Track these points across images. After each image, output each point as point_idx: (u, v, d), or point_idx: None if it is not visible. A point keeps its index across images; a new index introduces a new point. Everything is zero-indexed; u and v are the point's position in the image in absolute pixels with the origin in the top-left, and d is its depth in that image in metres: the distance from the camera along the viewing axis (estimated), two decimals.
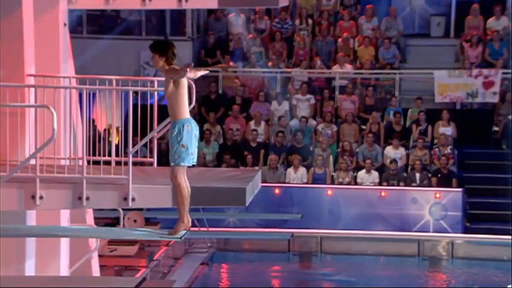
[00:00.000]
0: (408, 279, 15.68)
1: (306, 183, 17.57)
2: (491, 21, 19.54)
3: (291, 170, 17.72)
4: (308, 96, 19.02)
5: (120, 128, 9.22)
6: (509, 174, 17.47)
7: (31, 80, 9.12)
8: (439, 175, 17.41)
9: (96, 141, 9.05)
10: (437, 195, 16.99)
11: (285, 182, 17.56)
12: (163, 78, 7.79)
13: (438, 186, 17.21)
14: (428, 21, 20.36)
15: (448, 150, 17.82)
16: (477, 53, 19.27)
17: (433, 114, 18.46)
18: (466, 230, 16.93)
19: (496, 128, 18.54)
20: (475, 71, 18.78)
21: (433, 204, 16.92)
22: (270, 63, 19.55)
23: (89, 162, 8.45)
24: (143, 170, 8.81)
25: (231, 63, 19.54)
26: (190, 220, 7.66)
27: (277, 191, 17.22)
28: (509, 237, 16.60)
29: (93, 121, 14.48)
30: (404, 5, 20.50)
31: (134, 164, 8.22)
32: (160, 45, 7.45)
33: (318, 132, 18.40)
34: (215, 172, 10.06)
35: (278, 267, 16.42)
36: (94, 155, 8.82)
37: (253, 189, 8.41)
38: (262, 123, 18.60)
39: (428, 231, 16.81)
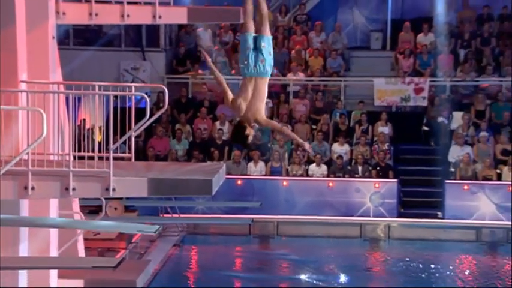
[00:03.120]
0: (352, 258, 15.75)
1: (265, 175, 17.56)
2: (420, 37, 19.70)
3: (251, 164, 17.70)
4: (266, 100, 18.94)
5: (102, 128, 9.14)
6: (436, 167, 17.66)
7: (24, 86, 9.00)
8: (378, 168, 17.51)
9: (81, 139, 8.95)
10: (377, 185, 17.09)
11: (246, 175, 17.54)
12: (140, 84, 7.72)
13: (377, 177, 17.30)
14: (368, 36, 20.47)
15: (386, 146, 17.93)
16: (409, 64, 19.41)
17: (373, 115, 18.56)
18: (400, 215, 17.05)
19: (425, 128, 18.71)
20: (407, 79, 18.92)
21: (373, 193, 17.01)
22: (233, 71, 19.51)
23: (75, 157, 8.36)
24: (122, 164, 8.73)
25: (200, 71, 19.48)
26: None
27: (239, 182, 17.20)
28: (437, 220, 16.77)
29: (84, 120, 14.37)
30: (348, 22, 20.60)
31: (114, 159, 8.14)
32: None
33: (275, 131, 18.40)
34: (186, 166, 10.01)
35: (240, 249, 16.37)
36: (79, 151, 8.73)
37: (218, 181, 8.37)
38: (227, 123, 18.56)
39: (369, 216, 16.90)
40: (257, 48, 7.13)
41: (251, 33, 7.18)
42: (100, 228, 9.69)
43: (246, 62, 7.14)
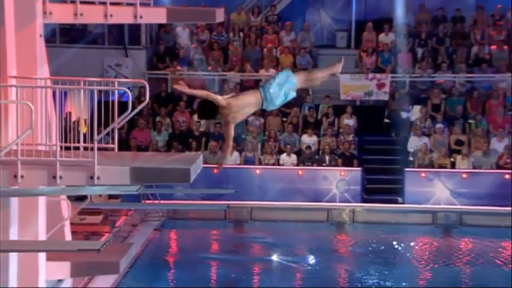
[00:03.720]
0: (320, 240, 15.82)
1: (239, 164, 17.56)
2: (382, 36, 19.79)
3: None
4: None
5: (87, 120, 9.07)
6: (397, 156, 17.79)
7: (13, 81, 8.90)
8: (344, 157, 17.59)
9: (67, 131, 8.88)
10: (342, 173, 17.16)
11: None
12: (122, 80, 7.64)
13: (343, 166, 17.37)
14: (334, 35, 20.52)
15: (351, 137, 18.01)
16: (372, 61, 19.50)
17: (338, 109, 18.62)
18: (364, 200, 17.14)
19: (387, 120, 18.83)
20: (370, 75, 19.01)
21: (339, 180, 17.08)
22: (209, 68, 19.46)
23: (61, 147, 8.29)
24: (106, 154, 8.68)
25: (178, 68, 19.39)
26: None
27: (215, 170, 17.15)
28: (397, 205, 16.90)
29: (70, 113, 14.23)
30: (316, 22, 20.64)
31: (99, 149, 8.09)
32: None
33: (249, 123, 18.39)
34: (166, 156, 9.96)
35: (216, 232, 16.35)
36: (66, 141, 8.66)
37: (196, 169, 8.35)
38: None
39: (335, 202, 16.97)
40: (284, 93, 7.00)
41: (296, 82, 7.02)
42: (90, 192, 9.61)
43: (277, 93, 7.01)
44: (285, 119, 18.67)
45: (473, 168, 17.12)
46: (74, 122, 11.71)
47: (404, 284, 13.06)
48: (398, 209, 16.71)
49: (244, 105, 7.00)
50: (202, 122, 18.37)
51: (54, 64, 11.92)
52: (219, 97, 6.99)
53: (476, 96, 18.63)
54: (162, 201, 16.06)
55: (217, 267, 14.32)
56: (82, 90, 8.44)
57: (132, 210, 15.92)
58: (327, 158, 17.57)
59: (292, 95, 7.21)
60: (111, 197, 15.67)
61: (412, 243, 15.48)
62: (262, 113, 18.71)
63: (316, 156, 17.77)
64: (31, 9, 9.25)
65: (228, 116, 6.96)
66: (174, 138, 17.91)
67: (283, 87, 7.10)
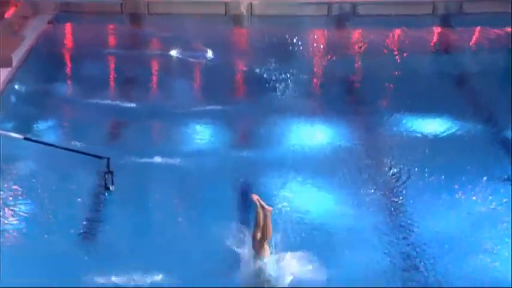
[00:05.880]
0: (218, 34, 14.18)
1: None
2: None
3: None
4: None
5: None
6: None
7: None
8: None
9: None
10: None
11: None
12: None
13: None
14: None
15: None
16: None
17: None
18: None
19: None
20: None
21: None
22: None
23: None
24: None
25: None
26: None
27: None
28: None
29: None
30: None
31: None
32: None
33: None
34: None
35: (113, 27, 14.25)
36: None
37: None
38: None
39: None
40: None
41: None
42: None
43: None
44: None
45: None
46: None
47: (303, 75, 11.95)
48: (294, 1, 15.13)
49: None
50: None
51: None
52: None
53: None
54: None
55: (115, 62, 12.65)
56: None
57: (21, 1, 13.55)
58: None
59: None
60: None
61: (308, 36, 14.19)
62: None
63: None
64: None
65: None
66: None
67: None
